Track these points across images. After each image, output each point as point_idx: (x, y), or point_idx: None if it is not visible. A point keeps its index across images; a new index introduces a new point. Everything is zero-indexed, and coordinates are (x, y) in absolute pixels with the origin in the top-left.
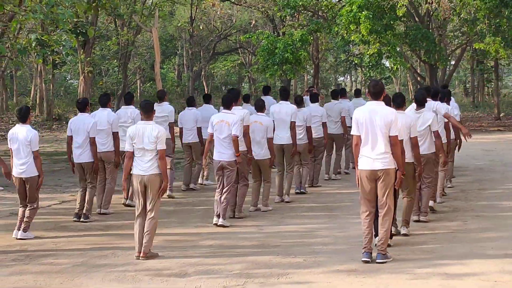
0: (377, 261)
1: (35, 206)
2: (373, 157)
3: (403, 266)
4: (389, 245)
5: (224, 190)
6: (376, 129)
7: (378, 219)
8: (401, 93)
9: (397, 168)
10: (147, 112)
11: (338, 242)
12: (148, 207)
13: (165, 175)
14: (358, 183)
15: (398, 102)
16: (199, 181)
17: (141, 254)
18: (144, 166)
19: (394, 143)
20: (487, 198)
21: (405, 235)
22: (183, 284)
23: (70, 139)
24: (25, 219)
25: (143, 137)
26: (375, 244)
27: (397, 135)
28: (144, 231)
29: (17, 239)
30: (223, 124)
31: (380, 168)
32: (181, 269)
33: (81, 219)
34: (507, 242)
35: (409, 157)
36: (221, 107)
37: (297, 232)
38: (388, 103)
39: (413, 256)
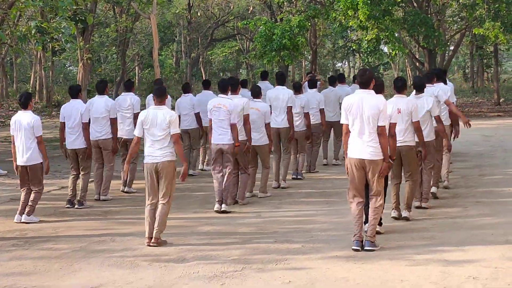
0: (366, 248)
1: (40, 189)
2: (361, 146)
3: (403, 252)
4: (378, 232)
5: (225, 179)
6: (364, 118)
7: (368, 206)
8: (402, 77)
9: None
10: (160, 96)
11: (336, 228)
12: (161, 194)
13: (183, 158)
14: (347, 171)
15: (398, 86)
16: (199, 166)
17: (153, 240)
18: (156, 153)
19: (381, 133)
20: (487, 184)
21: (406, 218)
22: (181, 269)
23: (62, 125)
24: (29, 203)
25: (156, 122)
26: (365, 231)
27: (384, 126)
28: (157, 217)
29: (21, 222)
30: (220, 108)
31: (368, 158)
32: (180, 255)
33: (76, 206)
34: (507, 228)
35: (410, 141)
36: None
37: (295, 218)
38: (380, 89)
39: (412, 242)
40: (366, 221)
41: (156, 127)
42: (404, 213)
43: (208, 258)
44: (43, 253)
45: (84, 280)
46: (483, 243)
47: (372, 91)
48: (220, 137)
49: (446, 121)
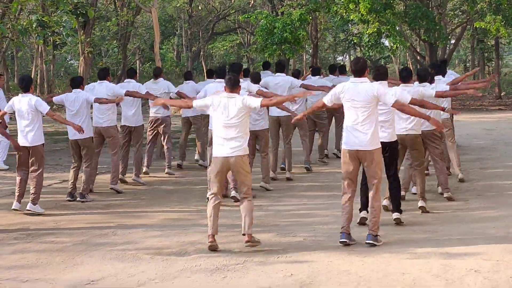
0: (366, 241)
1: (41, 171)
2: (355, 136)
3: (404, 245)
4: (398, 221)
5: None
6: (358, 106)
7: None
8: (407, 67)
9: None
10: (233, 86)
11: (338, 221)
12: (243, 191)
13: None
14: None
15: (404, 75)
16: (195, 157)
17: (246, 238)
18: (228, 146)
19: (400, 108)
20: (489, 178)
21: (422, 208)
22: (183, 262)
23: (50, 101)
24: (32, 190)
25: (228, 110)
26: (360, 223)
27: (397, 100)
28: (243, 214)
29: (24, 213)
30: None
31: (363, 149)
32: (181, 248)
33: (78, 199)
34: (509, 221)
35: (416, 129)
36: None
37: (296, 212)
38: (384, 77)
39: (414, 235)
40: (366, 208)
41: (228, 115)
42: (420, 203)
43: (209, 251)
44: (45, 246)
45: (85, 273)
46: (485, 236)
47: (365, 79)
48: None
49: (445, 115)
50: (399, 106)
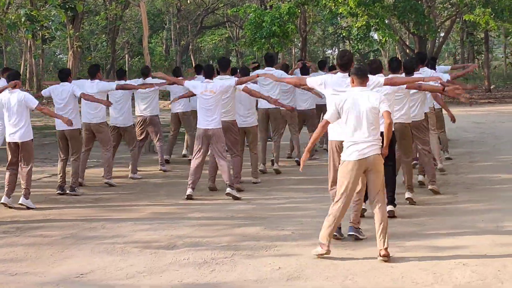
0: (348, 233)
1: (31, 166)
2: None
3: (393, 238)
4: (392, 214)
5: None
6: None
7: None
8: (397, 57)
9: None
10: (362, 77)
11: (326, 214)
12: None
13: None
14: (331, 158)
15: (394, 66)
16: (183, 152)
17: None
18: (365, 144)
19: (387, 117)
20: (478, 171)
21: (410, 199)
22: (171, 256)
23: (40, 95)
24: (23, 185)
25: (359, 105)
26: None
27: (388, 110)
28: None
29: (16, 207)
30: (207, 93)
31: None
32: (170, 242)
33: (67, 191)
34: (497, 214)
35: (405, 119)
36: (202, 77)
37: (284, 205)
38: (379, 70)
39: (403, 228)
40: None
41: (360, 110)
42: (407, 194)
43: (198, 244)
44: (34, 240)
45: (75, 266)
46: (473, 229)
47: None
48: (207, 123)
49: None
50: (386, 115)
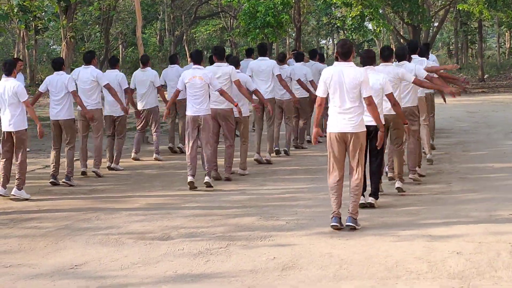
0: (347, 224)
1: (25, 156)
2: (342, 119)
3: (387, 228)
4: (372, 206)
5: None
6: (344, 90)
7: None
8: (388, 46)
9: (376, 129)
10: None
11: (321, 204)
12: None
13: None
14: (328, 145)
15: (385, 55)
16: (179, 144)
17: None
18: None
19: (369, 104)
20: (471, 160)
21: (399, 189)
22: (166, 247)
23: (39, 94)
24: (17, 175)
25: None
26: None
27: (370, 96)
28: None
29: (9, 198)
30: (195, 79)
31: (350, 131)
32: (164, 232)
33: (63, 181)
34: (491, 203)
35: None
36: (191, 64)
37: (279, 195)
38: (372, 61)
39: (397, 218)
40: (365, 189)
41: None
42: (397, 184)
43: (192, 235)
44: (28, 231)
45: (69, 258)
46: (467, 218)
47: (352, 63)
48: (196, 110)
49: (422, 93)
50: (368, 101)
